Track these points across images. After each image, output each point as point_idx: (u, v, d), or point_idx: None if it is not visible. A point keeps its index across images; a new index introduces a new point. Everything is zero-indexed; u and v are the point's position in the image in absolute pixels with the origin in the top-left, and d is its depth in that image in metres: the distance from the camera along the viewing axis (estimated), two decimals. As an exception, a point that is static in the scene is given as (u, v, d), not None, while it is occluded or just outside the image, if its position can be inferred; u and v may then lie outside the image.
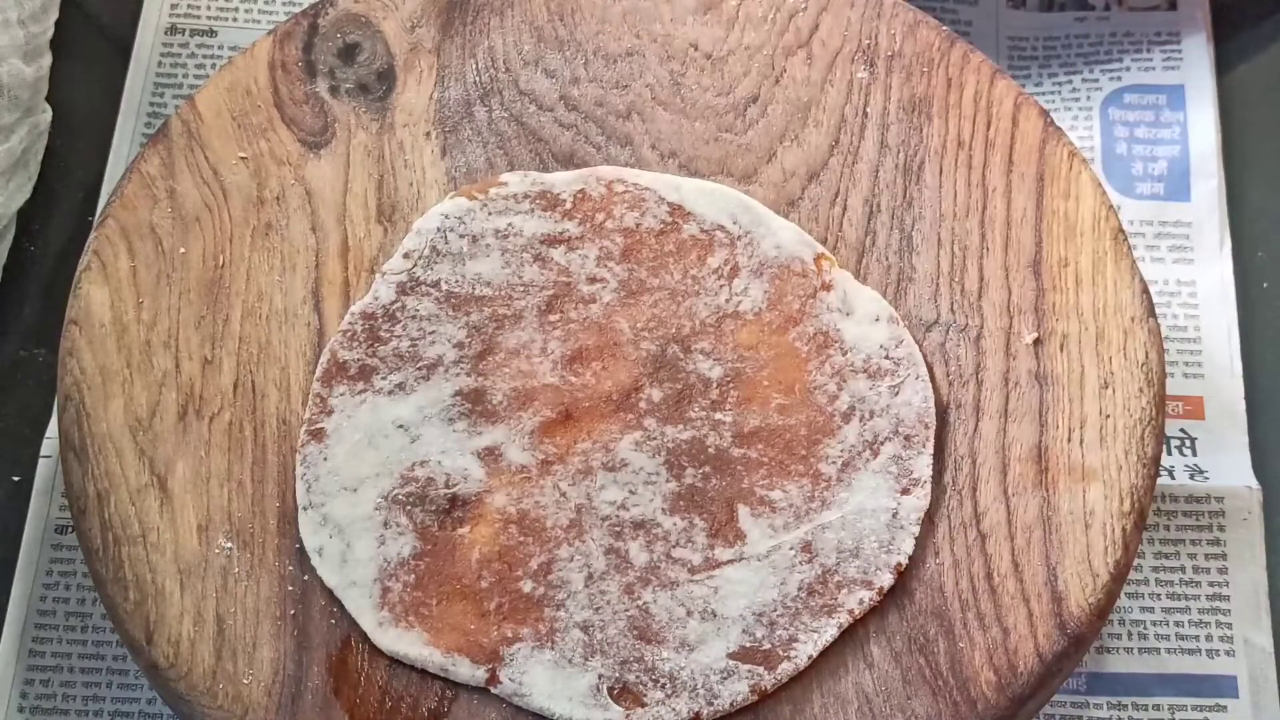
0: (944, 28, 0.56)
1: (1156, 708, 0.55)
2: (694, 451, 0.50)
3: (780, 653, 0.47)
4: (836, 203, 0.54)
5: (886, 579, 0.48)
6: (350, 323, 0.52)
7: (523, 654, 0.47)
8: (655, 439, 0.50)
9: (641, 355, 0.52)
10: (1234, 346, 0.61)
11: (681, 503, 0.49)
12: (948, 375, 0.51)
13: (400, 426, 0.51)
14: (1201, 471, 0.59)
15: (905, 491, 0.49)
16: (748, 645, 0.47)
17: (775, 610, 0.48)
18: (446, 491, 0.50)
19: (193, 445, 0.50)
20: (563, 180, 0.55)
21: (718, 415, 0.51)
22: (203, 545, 0.49)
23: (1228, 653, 0.56)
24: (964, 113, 0.55)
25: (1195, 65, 0.66)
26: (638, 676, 0.47)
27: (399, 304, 0.53)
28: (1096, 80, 0.67)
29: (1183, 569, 0.57)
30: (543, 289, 0.53)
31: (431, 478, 0.50)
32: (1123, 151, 0.65)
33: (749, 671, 0.47)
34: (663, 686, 0.47)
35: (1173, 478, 0.59)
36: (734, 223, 0.54)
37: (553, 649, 0.47)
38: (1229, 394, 0.60)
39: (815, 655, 0.47)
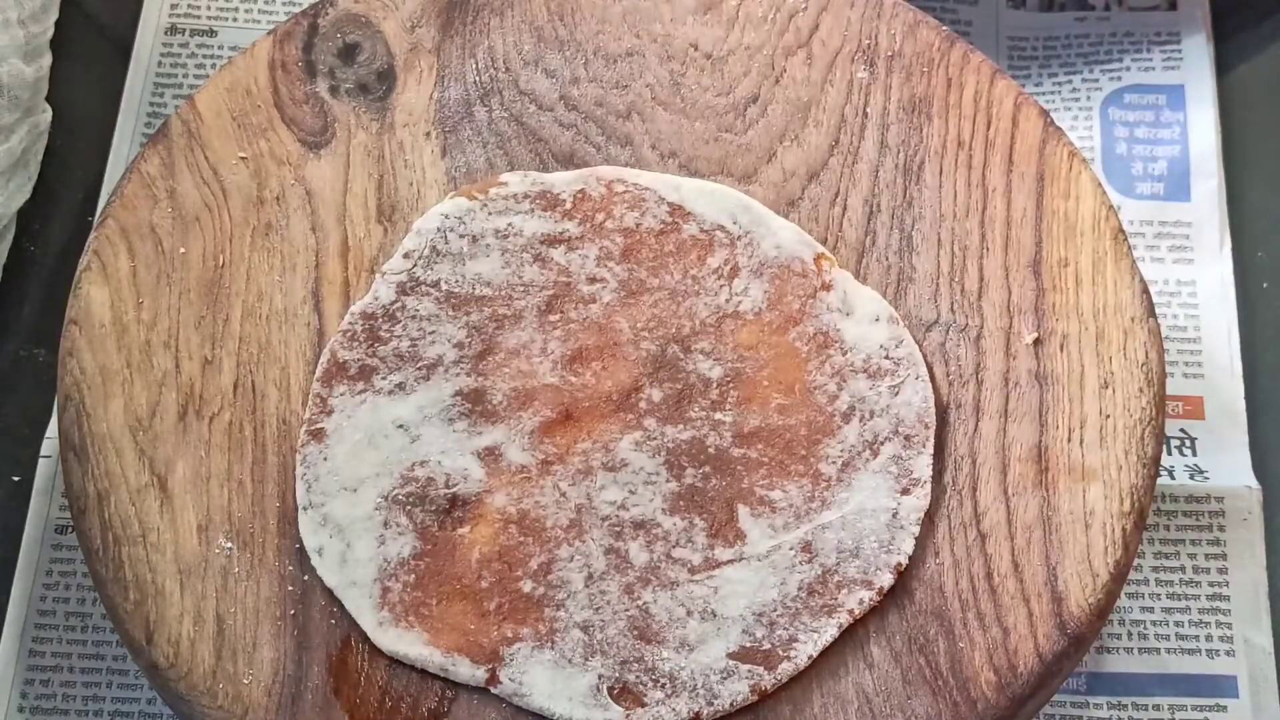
0: (944, 28, 0.56)
1: (1156, 708, 0.55)
2: (694, 451, 0.50)
3: (780, 653, 0.47)
4: (836, 203, 0.54)
5: (886, 579, 0.48)
6: (350, 323, 0.52)
7: (523, 654, 0.47)
8: (655, 439, 0.50)
9: (641, 355, 0.52)
10: (1234, 346, 0.61)
11: (681, 503, 0.49)
12: (948, 375, 0.51)
13: (400, 426, 0.51)
14: (1201, 471, 0.59)
15: (905, 491, 0.49)
16: (748, 645, 0.47)
17: (775, 610, 0.48)
18: (446, 491, 0.50)
19: (193, 445, 0.50)
20: (563, 180, 0.55)
21: (718, 415, 0.51)
22: (203, 545, 0.49)
23: (1228, 653, 0.56)
24: (964, 113, 0.55)
25: (1195, 65, 0.66)
26: (638, 676, 0.47)
27: (399, 304, 0.53)
28: (1096, 80, 0.67)
29: (1183, 569, 0.57)
30: (543, 289, 0.53)
31: (431, 478, 0.50)
32: (1123, 151, 0.65)
33: (749, 671, 0.47)
34: (663, 686, 0.47)
35: (1173, 478, 0.59)
36: (734, 223, 0.54)
37: (553, 649, 0.47)
38: (1229, 394, 0.60)
39: (815, 655, 0.47)
